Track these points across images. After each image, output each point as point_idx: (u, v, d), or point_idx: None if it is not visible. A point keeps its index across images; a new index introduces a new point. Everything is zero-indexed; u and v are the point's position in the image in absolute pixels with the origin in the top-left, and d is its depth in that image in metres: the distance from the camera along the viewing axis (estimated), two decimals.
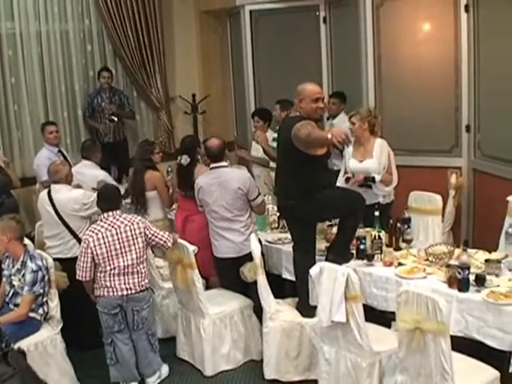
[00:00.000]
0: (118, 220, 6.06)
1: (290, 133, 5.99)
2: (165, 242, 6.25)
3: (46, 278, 6.16)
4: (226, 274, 6.92)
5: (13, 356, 5.20)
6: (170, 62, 11.26)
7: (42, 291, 6.09)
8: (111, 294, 6.01)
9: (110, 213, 6.08)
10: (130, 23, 10.51)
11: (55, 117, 9.99)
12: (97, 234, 5.99)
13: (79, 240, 6.80)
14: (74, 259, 6.62)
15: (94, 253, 5.96)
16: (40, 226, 7.22)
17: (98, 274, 6.05)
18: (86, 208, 6.85)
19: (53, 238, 6.95)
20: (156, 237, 6.19)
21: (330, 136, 5.48)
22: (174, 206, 8.03)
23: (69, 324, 6.42)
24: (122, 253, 6.00)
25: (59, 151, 8.95)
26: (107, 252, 5.97)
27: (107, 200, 6.17)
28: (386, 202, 7.20)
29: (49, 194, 6.92)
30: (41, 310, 6.16)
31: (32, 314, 6.09)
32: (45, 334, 6.18)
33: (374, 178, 7.02)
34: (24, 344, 5.87)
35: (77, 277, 6.07)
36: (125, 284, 6.01)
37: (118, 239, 6.00)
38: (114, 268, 5.98)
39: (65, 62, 10.20)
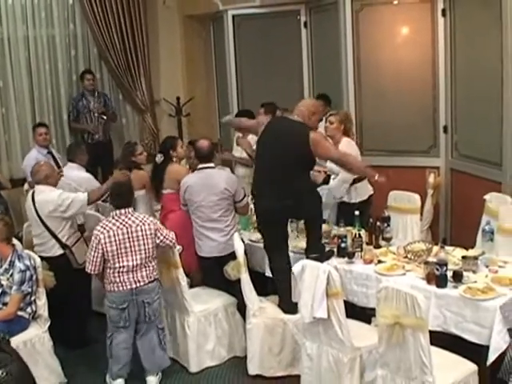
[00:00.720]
0: (129, 219, 6.07)
1: (298, 136, 6.23)
2: (174, 244, 6.28)
3: (34, 277, 6.19)
4: (210, 272, 7.02)
5: (7, 344, 5.31)
6: (154, 66, 11.34)
7: (30, 290, 6.12)
8: (121, 288, 6.02)
9: (123, 210, 6.08)
10: (116, 27, 10.58)
11: (42, 120, 10.04)
12: (108, 231, 6.00)
13: (58, 240, 6.86)
14: (54, 258, 6.78)
15: (105, 249, 5.98)
16: (28, 227, 7.24)
17: (107, 270, 6.07)
18: (61, 210, 6.78)
19: (37, 237, 6.97)
20: (167, 239, 6.21)
21: (376, 177, 6.41)
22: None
23: (56, 323, 6.46)
24: (131, 251, 6.01)
25: (49, 153, 9.05)
26: (117, 250, 5.98)
27: (120, 196, 6.18)
28: (353, 201, 7.45)
29: (33, 194, 6.94)
30: (29, 309, 6.20)
31: (20, 313, 6.13)
32: (33, 332, 6.21)
33: (329, 177, 7.31)
34: (13, 342, 5.89)
35: (86, 269, 6.13)
36: (133, 278, 6.01)
37: (129, 238, 6.01)
38: (123, 266, 5.99)
39: (51, 66, 10.29)
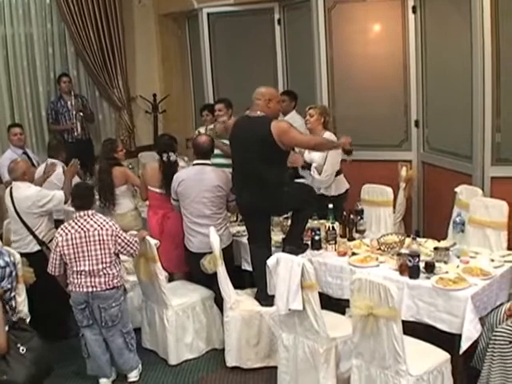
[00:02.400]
0: (88, 223, 5.98)
1: (259, 129, 6.27)
2: (134, 251, 6.16)
3: (14, 273, 6.10)
4: (200, 267, 6.89)
5: (24, 322, 5.36)
6: (131, 64, 11.38)
7: (9, 286, 6.04)
8: (78, 289, 5.99)
9: (82, 213, 6.00)
10: (92, 26, 10.64)
11: (21, 117, 10.13)
12: (66, 234, 5.96)
13: (35, 237, 6.93)
14: (31, 254, 6.84)
15: (62, 252, 5.95)
16: (8, 224, 7.29)
17: (68, 271, 6.05)
18: (39, 205, 6.87)
19: (14, 233, 7.05)
20: (127, 245, 6.08)
21: (342, 140, 6.65)
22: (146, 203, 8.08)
23: (36, 318, 6.52)
24: (89, 256, 5.94)
25: (24, 153, 9.01)
26: (74, 253, 5.94)
27: (79, 198, 6.12)
28: (332, 194, 7.44)
29: (10, 190, 7.01)
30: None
31: None
32: None
33: (310, 164, 7.36)
34: None
35: (48, 270, 6.14)
36: (90, 282, 5.95)
37: (86, 242, 5.93)
38: (81, 271, 5.94)
39: (29, 64, 10.33)
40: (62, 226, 6.15)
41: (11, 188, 7.06)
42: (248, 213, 6.64)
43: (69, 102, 10.34)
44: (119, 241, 6.03)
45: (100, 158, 8.21)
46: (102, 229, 5.98)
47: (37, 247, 6.96)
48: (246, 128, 6.48)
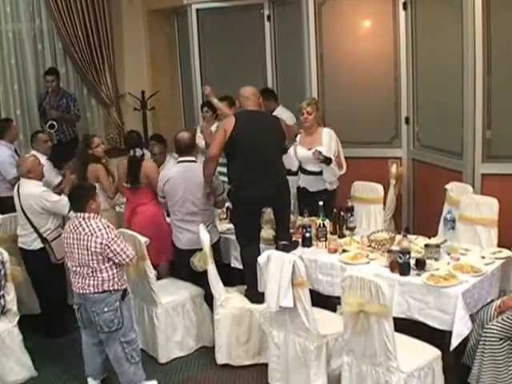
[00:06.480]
0: (81, 225, 5.69)
1: (277, 125, 6.59)
2: (124, 260, 5.77)
3: (2, 272, 6.19)
4: (186, 264, 6.76)
5: None
6: (119, 60, 11.30)
7: None
8: (73, 288, 5.88)
9: (79, 214, 5.77)
10: (80, 22, 10.55)
11: (8, 115, 10.00)
12: (65, 229, 5.88)
13: (39, 234, 6.91)
14: (35, 252, 6.89)
15: (64, 244, 5.87)
16: None
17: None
18: (40, 205, 6.84)
19: (21, 228, 7.05)
20: (118, 254, 5.73)
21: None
22: (116, 197, 8.04)
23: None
24: (79, 258, 5.72)
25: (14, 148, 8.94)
26: (69, 251, 5.80)
27: (72, 199, 5.97)
28: (334, 187, 7.40)
29: (18, 187, 7.03)
30: None
31: None
32: (2, 327, 6.22)
33: (331, 159, 7.19)
34: None
35: None
36: (82, 284, 5.76)
37: (77, 245, 5.70)
38: (74, 270, 5.79)
39: (17, 60, 10.23)
40: (69, 221, 6.09)
41: (19, 184, 7.08)
42: (252, 207, 6.52)
43: (47, 107, 10.08)
44: (108, 250, 5.69)
45: (77, 155, 8.11)
46: (92, 235, 5.68)
47: (40, 245, 6.94)
48: (258, 122, 6.55)
